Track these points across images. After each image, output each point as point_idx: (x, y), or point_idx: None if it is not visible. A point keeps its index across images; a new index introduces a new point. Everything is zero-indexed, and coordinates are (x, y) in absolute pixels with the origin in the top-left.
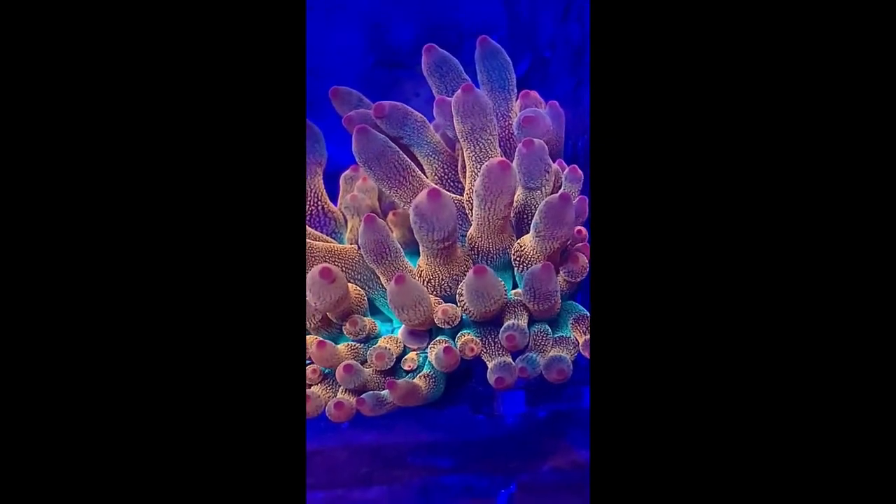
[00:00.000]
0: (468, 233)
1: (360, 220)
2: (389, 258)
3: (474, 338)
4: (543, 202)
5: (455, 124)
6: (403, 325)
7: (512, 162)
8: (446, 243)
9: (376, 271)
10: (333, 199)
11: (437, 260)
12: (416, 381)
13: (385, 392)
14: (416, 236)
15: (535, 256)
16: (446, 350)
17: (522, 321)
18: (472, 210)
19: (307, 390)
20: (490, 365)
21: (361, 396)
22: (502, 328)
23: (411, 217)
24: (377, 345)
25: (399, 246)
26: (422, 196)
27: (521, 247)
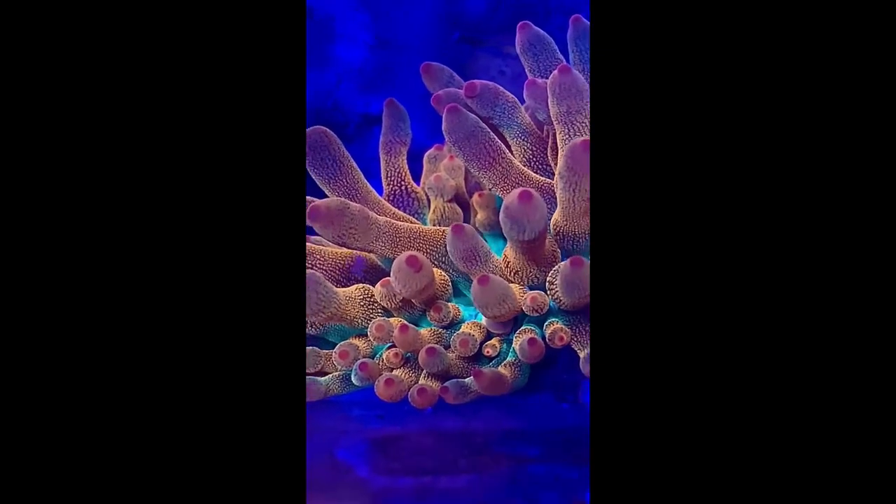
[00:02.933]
0: (552, 217)
1: (444, 201)
2: (479, 262)
3: (564, 326)
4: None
5: (549, 106)
6: None
7: None
8: (536, 242)
9: (467, 273)
10: (416, 177)
11: (526, 256)
12: (501, 369)
13: (469, 380)
14: (504, 233)
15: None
16: (531, 342)
17: None
18: None
19: (391, 373)
20: (582, 354)
21: (445, 384)
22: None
23: (501, 217)
24: (461, 330)
25: (488, 247)
26: (513, 197)
27: None
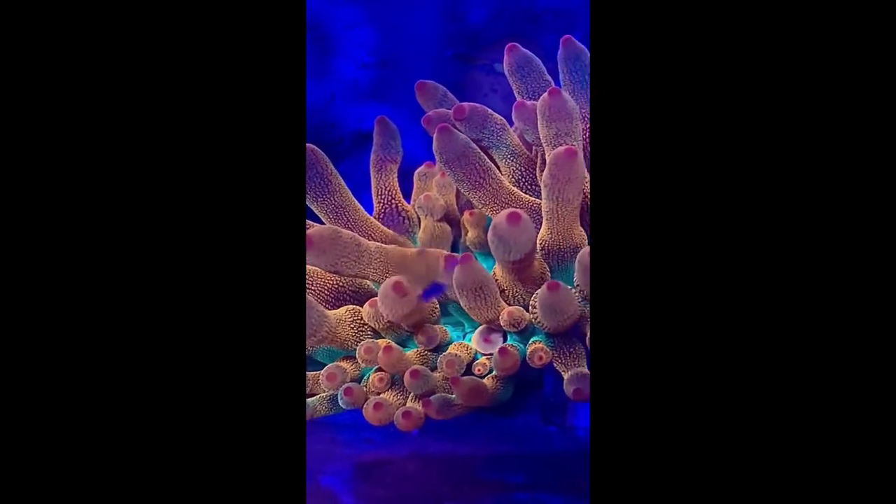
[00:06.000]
0: (539, 234)
1: (433, 221)
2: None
3: (545, 346)
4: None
5: (539, 128)
6: (475, 332)
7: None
8: (523, 263)
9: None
10: (407, 194)
11: (513, 276)
12: (483, 380)
13: (453, 395)
14: (492, 253)
15: None
16: (501, 351)
17: None
18: None
19: (377, 398)
20: (566, 375)
21: (429, 398)
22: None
23: (489, 236)
24: (447, 352)
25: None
26: (501, 217)
27: None
